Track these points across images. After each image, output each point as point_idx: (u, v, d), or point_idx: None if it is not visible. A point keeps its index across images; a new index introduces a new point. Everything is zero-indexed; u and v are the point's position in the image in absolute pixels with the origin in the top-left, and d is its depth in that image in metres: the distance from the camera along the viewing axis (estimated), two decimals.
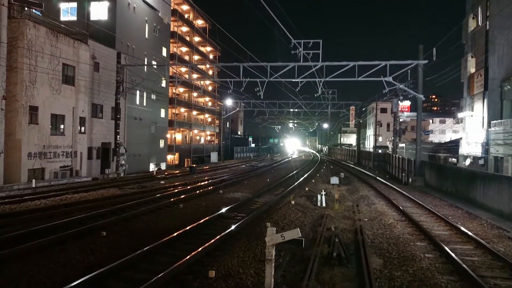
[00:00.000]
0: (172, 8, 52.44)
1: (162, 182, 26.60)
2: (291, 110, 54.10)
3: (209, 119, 73.28)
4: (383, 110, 69.78)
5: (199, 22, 66.00)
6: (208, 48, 69.93)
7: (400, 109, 39.35)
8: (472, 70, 33.45)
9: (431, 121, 74.66)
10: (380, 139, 68.32)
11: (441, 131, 65.67)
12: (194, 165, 39.42)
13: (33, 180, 23.32)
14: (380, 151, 53.17)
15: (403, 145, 47.83)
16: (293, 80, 27.66)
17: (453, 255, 10.04)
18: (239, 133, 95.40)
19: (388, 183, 28.52)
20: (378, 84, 35.33)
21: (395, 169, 35.21)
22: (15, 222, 12.53)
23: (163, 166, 46.08)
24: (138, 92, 38.87)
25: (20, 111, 24.68)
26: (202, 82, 64.11)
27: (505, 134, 27.22)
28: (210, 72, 68.92)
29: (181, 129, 58.36)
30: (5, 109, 23.67)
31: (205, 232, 11.82)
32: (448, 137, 62.37)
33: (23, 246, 9.49)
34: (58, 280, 7.73)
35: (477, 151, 31.52)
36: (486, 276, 8.97)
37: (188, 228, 11.82)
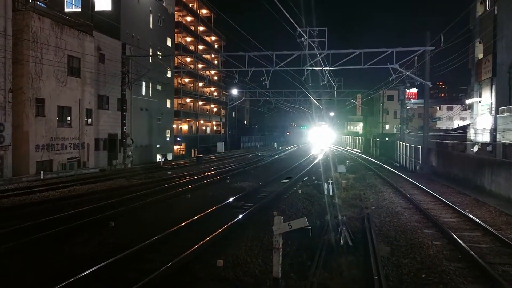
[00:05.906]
0: None
1: (169, 172, 26.71)
2: (297, 98, 53.83)
3: (215, 109, 73.18)
4: (390, 98, 69.12)
5: (204, 11, 65.59)
6: (213, 38, 69.56)
7: (407, 96, 39.04)
8: (480, 56, 32.97)
9: (438, 108, 73.90)
10: (387, 126, 67.85)
11: (448, 118, 64.97)
12: (201, 155, 39.46)
13: (42, 172, 23.52)
14: (387, 138, 52.85)
15: (411, 132, 47.44)
16: (299, 68, 27.48)
17: (461, 242, 10.01)
18: (245, 122, 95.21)
19: (395, 171, 28.43)
20: (384, 71, 34.99)
21: (402, 157, 35.03)
22: (25, 214, 12.68)
23: (169, 156, 46.23)
24: (143, 83, 38.86)
25: (27, 103, 24.81)
26: (207, 72, 63.93)
27: None
28: (215, 62, 68.74)
29: (187, 119, 58.40)
30: (12, 102, 23.77)
31: (212, 222, 11.85)
32: (456, 124, 61.79)
33: (32, 238, 9.60)
34: (67, 270, 7.80)
35: (485, 137, 31.24)
36: (494, 263, 8.95)
37: (195, 217, 11.89)
